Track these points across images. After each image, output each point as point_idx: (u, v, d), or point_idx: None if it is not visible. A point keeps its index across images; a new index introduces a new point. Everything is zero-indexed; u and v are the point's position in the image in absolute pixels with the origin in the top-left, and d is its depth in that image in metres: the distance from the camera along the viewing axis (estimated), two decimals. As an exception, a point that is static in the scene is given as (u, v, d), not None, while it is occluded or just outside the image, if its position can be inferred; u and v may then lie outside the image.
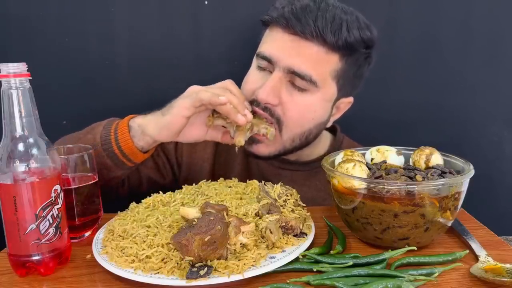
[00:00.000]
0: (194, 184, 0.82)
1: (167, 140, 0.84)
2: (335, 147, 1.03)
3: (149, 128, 0.83)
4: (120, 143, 0.83)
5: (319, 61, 0.83)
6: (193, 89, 0.81)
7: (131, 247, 0.61)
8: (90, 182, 0.75)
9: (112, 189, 0.93)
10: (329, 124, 0.96)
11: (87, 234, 0.76)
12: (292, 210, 0.71)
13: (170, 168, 1.03)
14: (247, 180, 0.81)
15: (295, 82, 0.85)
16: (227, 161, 1.02)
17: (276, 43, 0.85)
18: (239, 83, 0.93)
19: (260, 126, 0.84)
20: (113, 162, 0.84)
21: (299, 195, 0.75)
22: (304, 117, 0.87)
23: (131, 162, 0.86)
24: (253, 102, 0.87)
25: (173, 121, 0.80)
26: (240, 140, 0.83)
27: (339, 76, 0.87)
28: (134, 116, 0.87)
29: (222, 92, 0.79)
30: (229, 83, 0.84)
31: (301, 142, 0.91)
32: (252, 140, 0.88)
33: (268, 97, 0.83)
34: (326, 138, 1.05)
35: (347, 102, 0.95)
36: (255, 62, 0.90)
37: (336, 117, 0.96)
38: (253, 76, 0.89)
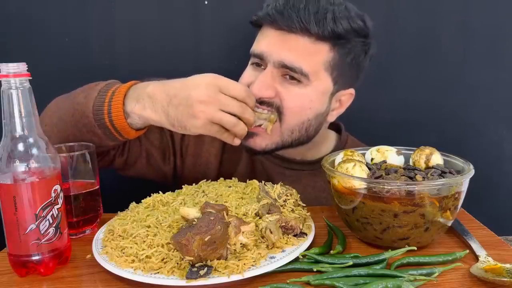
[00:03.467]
0: (194, 184, 0.82)
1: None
2: (339, 147, 1.02)
3: (153, 118, 0.78)
4: (112, 117, 0.79)
5: (308, 53, 0.84)
6: (213, 95, 0.75)
7: (131, 247, 0.62)
8: (90, 181, 0.75)
9: (110, 155, 0.91)
10: (333, 119, 0.95)
11: (87, 231, 0.76)
12: (292, 210, 0.71)
13: (173, 155, 1.01)
14: (252, 178, 0.81)
15: (288, 75, 0.85)
16: (232, 159, 1.02)
17: (266, 40, 0.87)
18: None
19: (259, 118, 0.85)
20: (104, 134, 0.81)
21: (299, 195, 0.75)
22: (302, 107, 0.87)
23: (123, 138, 0.83)
24: None
25: (183, 129, 0.78)
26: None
27: (333, 68, 0.87)
28: (134, 83, 0.82)
29: (241, 111, 0.78)
30: (247, 93, 0.80)
31: (301, 135, 0.90)
32: (247, 134, 0.86)
33: (260, 91, 0.84)
34: (331, 138, 1.05)
35: (348, 94, 0.94)
36: (250, 61, 0.92)
37: (340, 111, 0.95)
38: (248, 73, 0.91)
